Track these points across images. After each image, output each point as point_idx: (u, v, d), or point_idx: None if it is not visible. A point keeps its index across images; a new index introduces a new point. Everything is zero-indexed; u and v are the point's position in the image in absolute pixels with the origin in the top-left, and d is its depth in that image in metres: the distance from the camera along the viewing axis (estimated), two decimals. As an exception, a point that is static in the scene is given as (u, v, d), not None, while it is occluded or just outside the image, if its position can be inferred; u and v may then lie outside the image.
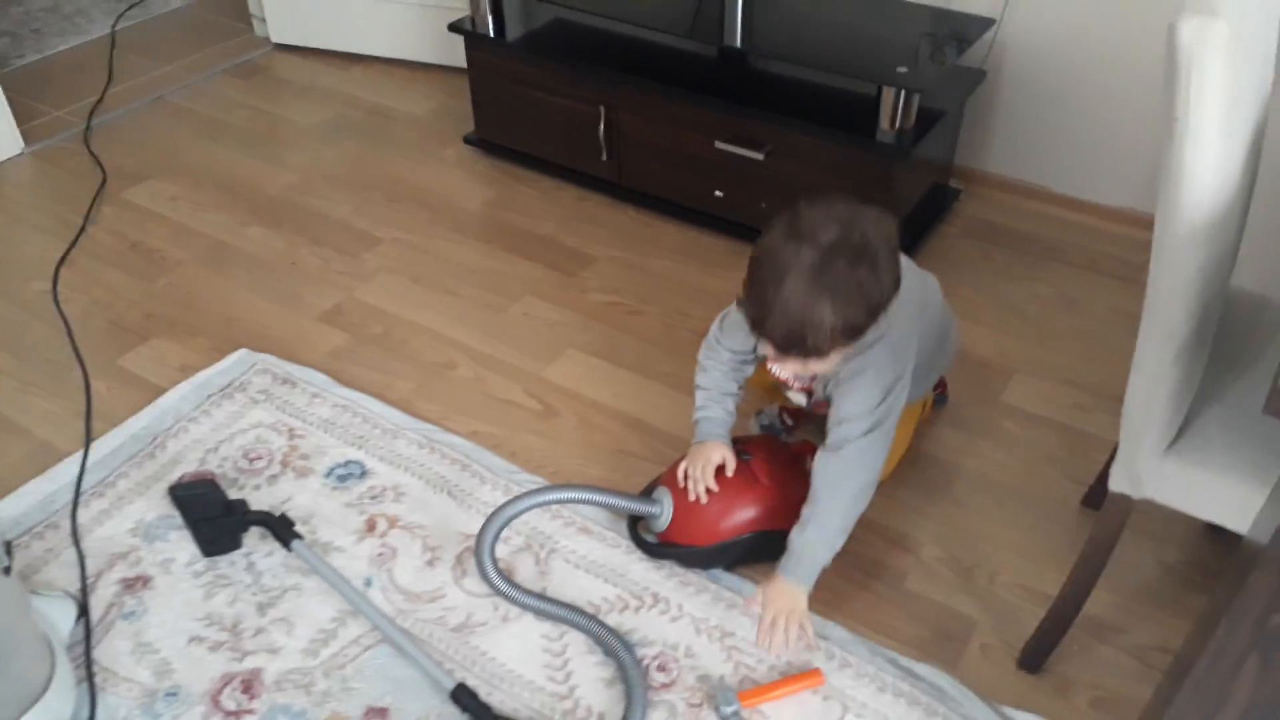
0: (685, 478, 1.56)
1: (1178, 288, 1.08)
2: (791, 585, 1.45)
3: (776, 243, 1.28)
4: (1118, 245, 2.32)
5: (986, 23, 2.21)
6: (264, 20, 3.14)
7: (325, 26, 3.06)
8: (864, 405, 1.43)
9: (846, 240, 1.25)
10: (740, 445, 1.61)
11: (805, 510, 1.46)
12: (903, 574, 1.62)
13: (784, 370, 1.47)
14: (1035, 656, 1.48)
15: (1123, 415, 1.25)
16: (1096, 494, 1.70)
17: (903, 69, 2.02)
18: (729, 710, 1.39)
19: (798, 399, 1.64)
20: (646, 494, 1.61)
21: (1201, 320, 1.13)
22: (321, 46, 3.10)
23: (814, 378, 1.53)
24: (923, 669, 1.47)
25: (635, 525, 1.64)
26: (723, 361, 1.60)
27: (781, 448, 1.64)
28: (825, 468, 1.46)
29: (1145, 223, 2.31)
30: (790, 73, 2.31)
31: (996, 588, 1.60)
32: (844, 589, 1.59)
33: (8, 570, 1.18)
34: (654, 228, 2.39)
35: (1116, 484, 1.30)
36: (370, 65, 3.05)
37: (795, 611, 1.44)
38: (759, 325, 1.30)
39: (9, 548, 1.18)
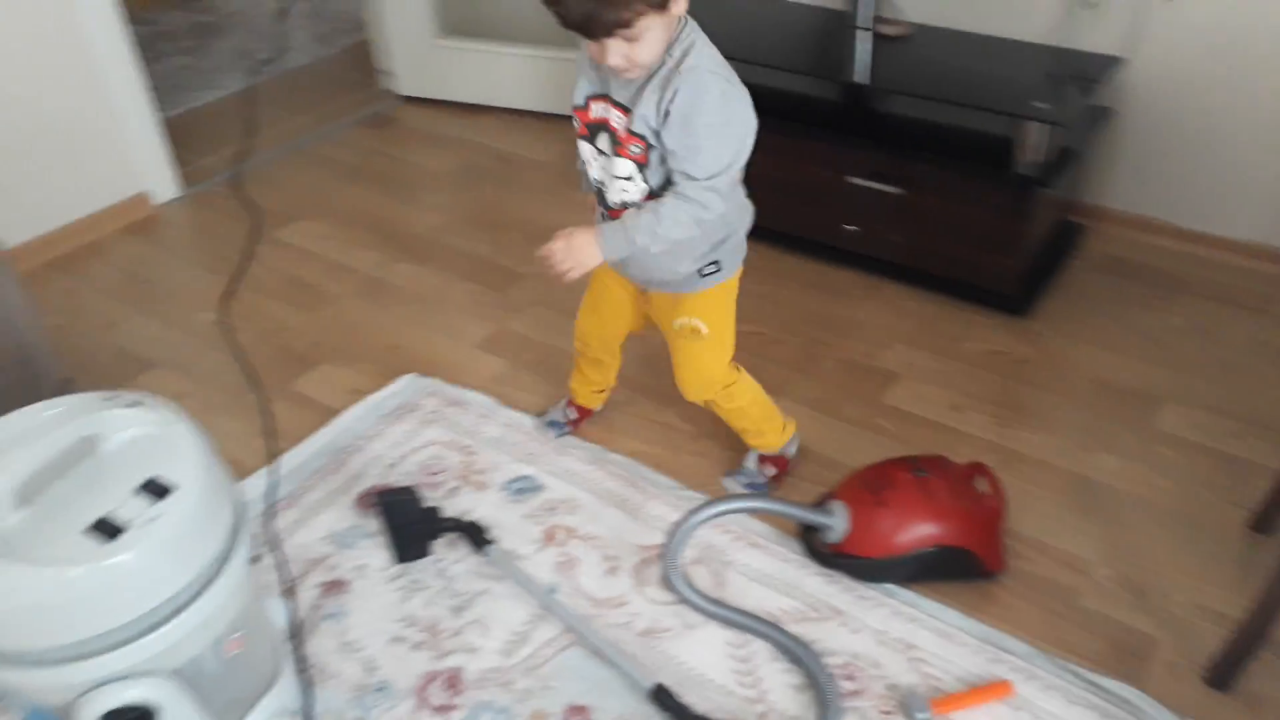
0: None
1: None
2: (594, 239, 1.46)
3: None
4: (1248, 278, 2.34)
5: (1115, 61, 2.28)
6: (392, 74, 3.30)
7: (451, 80, 3.22)
8: (709, 167, 1.40)
9: None
10: (916, 462, 1.64)
11: (644, 210, 1.44)
12: (1076, 592, 1.64)
13: (612, 57, 1.35)
14: (1224, 674, 1.48)
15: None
16: (1264, 518, 1.71)
17: (1043, 104, 2.09)
18: (922, 717, 1.41)
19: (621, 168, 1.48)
20: (819, 506, 1.65)
21: None
22: (447, 98, 3.25)
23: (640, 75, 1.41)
24: (1109, 683, 1.48)
25: (807, 537, 1.68)
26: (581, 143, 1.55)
27: (954, 466, 1.68)
28: (668, 196, 1.43)
29: (1275, 256, 2.34)
30: (917, 110, 2.39)
31: (1172, 606, 1.61)
32: (1019, 606, 1.61)
33: (257, 558, 1.26)
34: (785, 262, 2.46)
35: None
36: (495, 115, 3.19)
37: (583, 260, 1.47)
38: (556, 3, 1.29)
39: (259, 539, 1.26)
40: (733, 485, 1.82)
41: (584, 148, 1.53)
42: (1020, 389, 2.06)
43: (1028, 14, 2.39)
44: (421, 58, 3.21)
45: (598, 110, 1.47)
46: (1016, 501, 1.78)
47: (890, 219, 2.30)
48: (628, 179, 1.46)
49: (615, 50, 1.33)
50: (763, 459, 1.83)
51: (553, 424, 1.94)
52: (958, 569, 1.62)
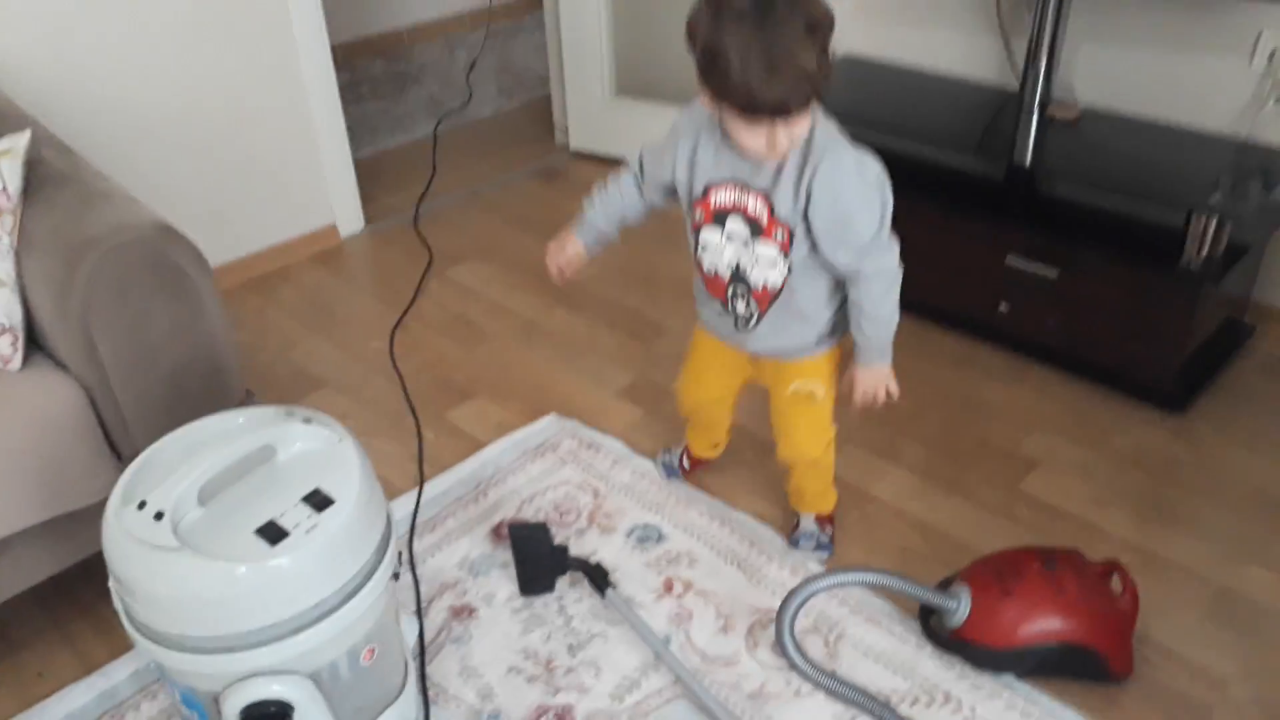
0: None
1: None
2: (872, 366, 1.60)
3: (724, 13, 1.30)
4: None
5: (1300, 158, 2.19)
6: (566, 130, 3.48)
7: (618, 137, 3.36)
8: (864, 234, 1.47)
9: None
10: (1048, 554, 1.61)
11: (854, 316, 1.57)
12: (1208, 708, 1.56)
13: (754, 139, 1.39)
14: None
15: None
16: None
17: (1217, 197, 2.02)
18: (1028, 815, 1.38)
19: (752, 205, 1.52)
20: (943, 588, 1.64)
21: None
22: (615, 155, 3.40)
23: (781, 162, 1.46)
24: (1237, 808, 1.41)
25: (928, 618, 1.67)
26: (626, 188, 1.71)
27: (1088, 563, 1.63)
28: (856, 289, 1.53)
29: None
30: (1080, 195, 2.35)
31: (1316, 737, 1.51)
32: (1144, 713, 1.55)
33: (397, 576, 1.36)
34: (932, 337, 2.45)
35: None
36: (658, 172, 3.31)
37: (882, 381, 1.61)
38: (726, 79, 1.31)
39: (400, 557, 1.36)
40: (807, 548, 1.84)
41: (709, 235, 1.56)
42: (1168, 489, 1.98)
43: (1211, 104, 2.32)
44: (595, 115, 3.37)
45: (725, 198, 1.52)
46: (1153, 607, 1.71)
47: (1045, 302, 2.27)
48: (771, 264, 1.53)
49: (784, 133, 1.37)
50: (820, 519, 1.85)
51: (666, 465, 2.01)
52: (1081, 668, 1.57)
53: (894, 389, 1.63)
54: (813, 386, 1.67)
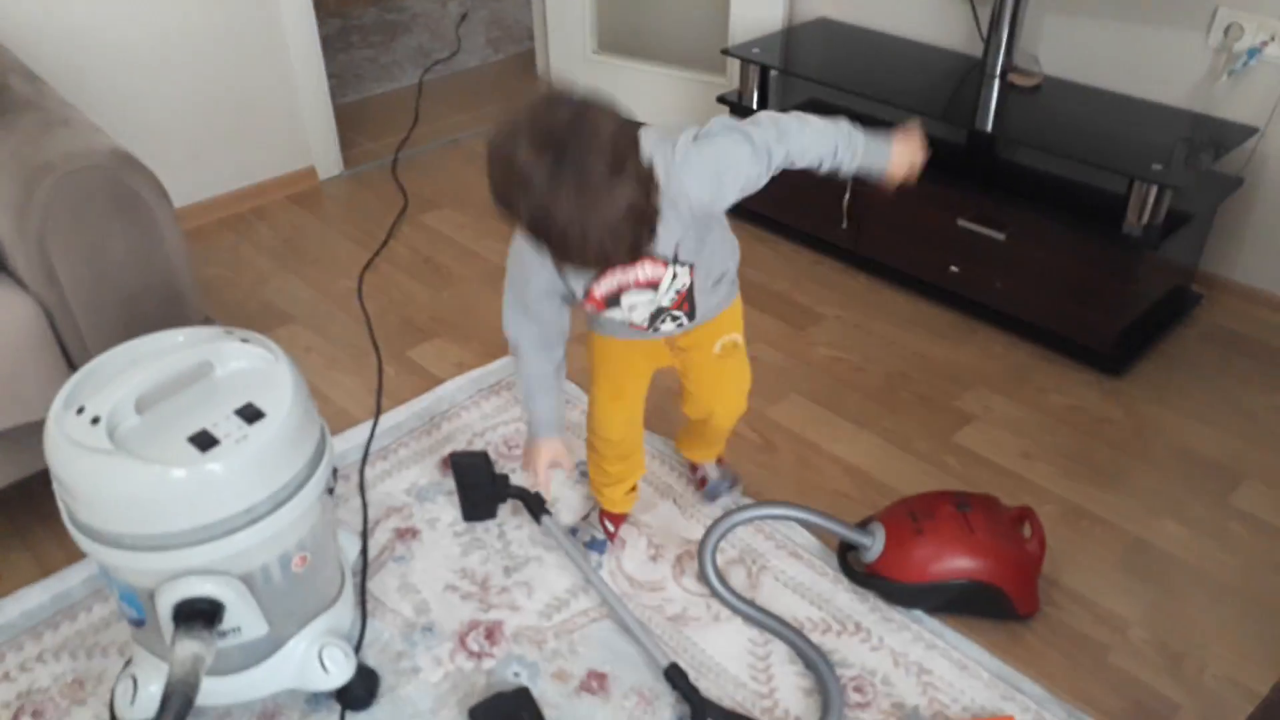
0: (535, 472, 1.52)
1: None
2: (891, 158, 1.47)
3: (529, 176, 1.12)
4: (1373, 368, 2.24)
5: (1249, 131, 2.23)
6: (550, 80, 3.53)
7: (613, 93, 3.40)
8: (747, 170, 1.35)
9: (575, 144, 1.11)
10: (962, 497, 1.69)
11: (836, 172, 1.45)
12: (1106, 648, 1.64)
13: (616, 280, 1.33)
14: (1241, 747, 1.47)
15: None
16: (1325, 604, 1.67)
17: (1158, 166, 2.08)
18: (920, 736, 1.46)
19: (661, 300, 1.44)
20: (861, 527, 1.72)
21: None
22: (596, 108, 3.44)
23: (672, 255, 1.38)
24: (1119, 738, 1.49)
25: (845, 554, 1.75)
26: (542, 323, 1.47)
27: (1001, 508, 1.71)
28: (804, 165, 1.41)
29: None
30: (1035, 161, 2.40)
31: (1205, 678, 1.59)
32: (1044, 651, 1.63)
33: (331, 491, 1.44)
34: (884, 295, 2.51)
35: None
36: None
37: (910, 153, 1.50)
38: (574, 259, 1.18)
39: (335, 474, 1.44)
40: (724, 493, 1.87)
41: (610, 314, 1.45)
42: (1097, 446, 2.05)
43: (1168, 78, 2.36)
44: (577, 70, 3.41)
45: (609, 287, 1.40)
46: (1067, 554, 1.79)
47: (994, 264, 2.33)
48: (678, 282, 1.43)
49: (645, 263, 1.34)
50: (718, 461, 1.90)
51: (593, 545, 1.78)
52: (988, 606, 1.66)
53: (920, 150, 1.50)
54: (735, 335, 1.62)
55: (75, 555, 1.72)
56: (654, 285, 1.41)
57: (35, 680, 1.56)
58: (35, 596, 1.67)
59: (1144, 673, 1.60)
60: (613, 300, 1.42)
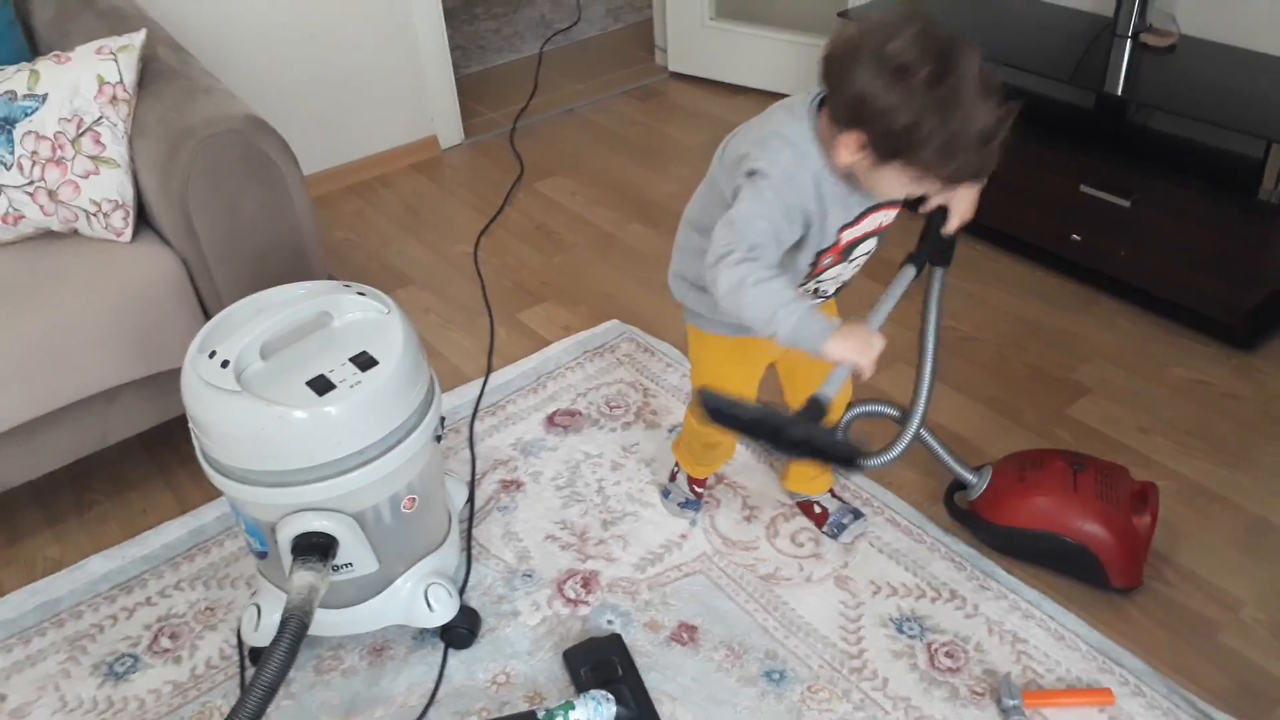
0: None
1: None
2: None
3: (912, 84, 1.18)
4: None
5: None
6: (665, 51, 3.55)
7: (714, 59, 3.41)
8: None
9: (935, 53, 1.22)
10: (1081, 459, 1.66)
11: None
12: (1217, 626, 1.59)
13: (910, 188, 1.29)
14: (1357, 735, 1.40)
15: None
16: None
17: (1299, 129, 1.96)
18: (1010, 703, 1.45)
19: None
20: (975, 469, 1.72)
21: None
22: (711, 77, 3.45)
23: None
24: (1223, 717, 1.44)
25: (952, 494, 1.78)
26: (765, 262, 1.27)
27: (1125, 480, 1.65)
28: None
29: None
30: (1165, 125, 2.30)
31: (1322, 663, 1.53)
32: (1149, 627, 1.59)
33: (439, 438, 1.52)
34: (1000, 263, 2.45)
35: None
36: (751, 96, 3.34)
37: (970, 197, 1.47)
38: (952, 158, 1.20)
39: (443, 422, 1.51)
40: (850, 526, 1.75)
41: (829, 272, 1.45)
42: (1220, 423, 1.96)
43: (1315, 34, 2.22)
44: (694, 36, 3.42)
45: (858, 231, 1.40)
46: (1182, 531, 1.73)
47: (1118, 232, 2.24)
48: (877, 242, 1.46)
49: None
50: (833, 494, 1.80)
51: (687, 504, 1.80)
52: (1080, 570, 1.63)
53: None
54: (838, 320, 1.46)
55: (210, 494, 1.86)
56: (884, 229, 1.44)
57: (173, 606, 1.70)
58: (174, 531, 1.82)
59: (1255, 654, 1.54)
60: (848, 250, 1.41)
